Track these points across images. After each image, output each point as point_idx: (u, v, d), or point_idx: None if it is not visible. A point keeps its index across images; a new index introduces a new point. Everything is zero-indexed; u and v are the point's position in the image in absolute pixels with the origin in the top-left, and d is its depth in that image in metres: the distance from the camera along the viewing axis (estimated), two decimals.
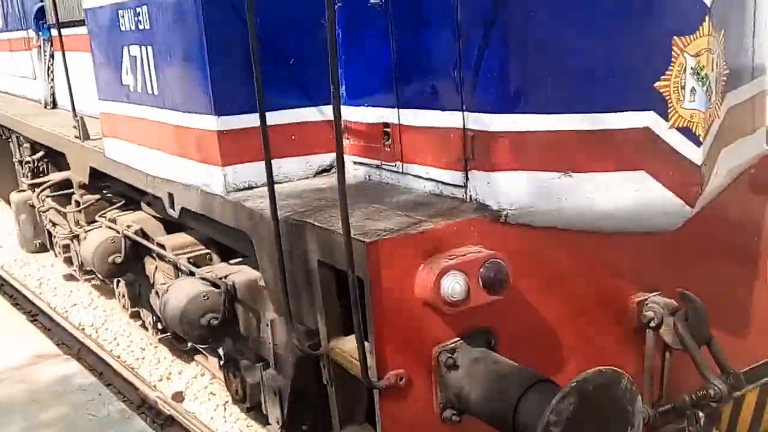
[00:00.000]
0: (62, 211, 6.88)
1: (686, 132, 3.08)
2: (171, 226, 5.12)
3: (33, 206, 7.49)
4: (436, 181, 3.42)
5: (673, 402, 3.37)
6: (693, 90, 3.03)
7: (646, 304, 3.37)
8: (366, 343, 2.84)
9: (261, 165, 3.19)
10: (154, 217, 5.31)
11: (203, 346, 5.17)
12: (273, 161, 3.17)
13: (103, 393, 5.38)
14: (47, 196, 7.18)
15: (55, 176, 7.21)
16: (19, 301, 7.75)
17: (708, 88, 3.05)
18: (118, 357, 6.56)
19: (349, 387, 3.24)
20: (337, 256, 2.99)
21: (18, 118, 7.54)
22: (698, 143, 3.09)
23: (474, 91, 3.14)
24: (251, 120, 3.37)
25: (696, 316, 3.26)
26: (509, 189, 3.12)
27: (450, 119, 3.27)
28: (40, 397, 5.30)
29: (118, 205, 5.95)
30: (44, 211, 7.29)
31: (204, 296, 4.21)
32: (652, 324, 3.34)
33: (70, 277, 8.10)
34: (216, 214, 3.96)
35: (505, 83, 3.07)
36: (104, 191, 6.11)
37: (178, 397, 5.89)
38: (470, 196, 3.26)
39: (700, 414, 3.35)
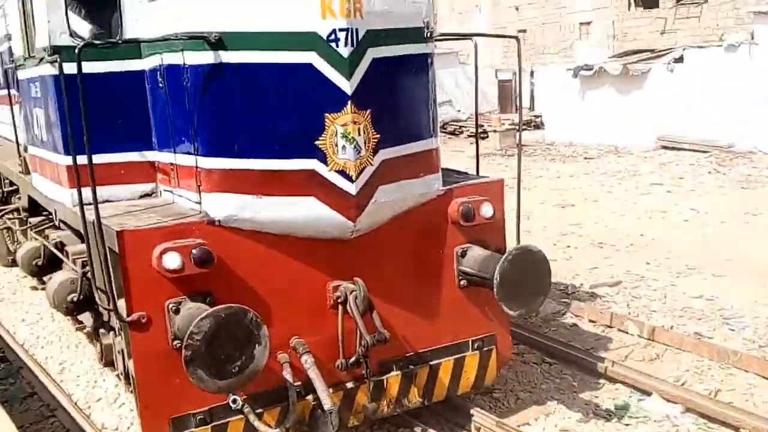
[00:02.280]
0: (12, 229, 8.61)
1: (342, 173, 4.66)
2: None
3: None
4: (190, 200, 4.98)
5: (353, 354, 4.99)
6: (344, 147, 4.61)
7: (337, 287, 4.95)
8: None
9: (102, 189, 4.87)
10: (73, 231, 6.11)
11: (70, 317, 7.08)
12: (107, 187, 5.18)
13: None
14: (8, 219, 8.82)
15: (11, 205, 8.80)
16: None
17: (356, 146, 4.62)
18: None
19: None
20: (110, 242, 4.54)
21: None
22: (351, 180, 4.67)
23: (199, 143, 4.76)
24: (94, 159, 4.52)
25: (361, 295, 4.86)
26: (220, 205, 4.73)
27: (191, 160, 4.85)
28: None
29: (50, 225, 6.88)
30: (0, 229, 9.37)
31: (70, 282, 5.84)
32: (340, 300, 4.95)
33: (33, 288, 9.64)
34: (70, 221, 5.72)
35: (213, 138, 4.73)
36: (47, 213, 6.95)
37: None
38: (203, 209, 4.80)
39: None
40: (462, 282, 5.50)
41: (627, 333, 7.62)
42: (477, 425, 5.71)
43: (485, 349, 5.69)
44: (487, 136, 25.26)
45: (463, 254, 5.47)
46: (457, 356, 5.57)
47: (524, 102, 29.28)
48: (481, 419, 5.69)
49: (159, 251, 4.43)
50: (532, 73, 28.89)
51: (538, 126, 26.40)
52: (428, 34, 5.14)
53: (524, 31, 32.42)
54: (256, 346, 4.35)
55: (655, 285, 9.09)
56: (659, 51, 22.67)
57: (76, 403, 6.51)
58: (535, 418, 6.04)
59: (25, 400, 6.75)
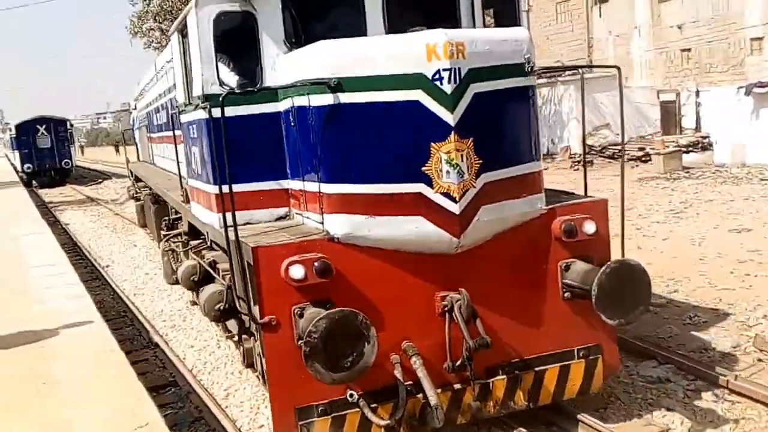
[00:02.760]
0: (176, 251, 9.83)
1: (447, 195, 5.20)
2: None
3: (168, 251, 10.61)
4: (315, 221, 5.68)
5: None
6: (448, 171, 5.14)
7: (444, 297, 5.47)
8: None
9: (243, 213, 5.82)
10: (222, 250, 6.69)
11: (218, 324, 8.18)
12: (249, 211, 6.05)
13: None
14: (172, 242, 10.00)
15: (175, 231, 9.96)
16: None
17: (459, 171, 5.15)
18: None
19: None
20: (247, 257, 5.36)
21: (162, 190, 10.80)
22: (455, 201, 5.21)
23: (321, 172, 5.47)
24: (236, 188, 5.38)
25: (465, 303, 5.32)
26: (339, 224, 5.39)
27: (316, 187, 5.59)
28: None
29: (206, 247, 7.76)
30: (167, 251, 10.72)
31: (218, 293, 6.70)
32: (447, 309, 5.45)
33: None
34: (219, 241, 6.54)
35: (332, 168, 5.41)
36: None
37: None
38: (325, 228, 5.48)
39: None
40: (566, 294, 5.89)
41: None
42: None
43: (591, 357, 6.02)
44: (650, 159, 24.07)
45: (567, 268, 5.87)
46: (562, 363, 5.96)
47: (690, 123, 27.72)
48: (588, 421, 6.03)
49: (286, 264, 5.19)
50: (697, 92, 27.34)
51: (706, 147, 24.85)
52: (529, 68, 5.55)
53: (688, 50, 30.81)
54: (366, 344, 4.97)
55: None
56: None
57: (240, 429, 6.64)
58: None
59: (193, 424, 6.96)
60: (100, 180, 42.27)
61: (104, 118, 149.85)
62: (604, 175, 24.18)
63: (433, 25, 5.22)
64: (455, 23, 6.54)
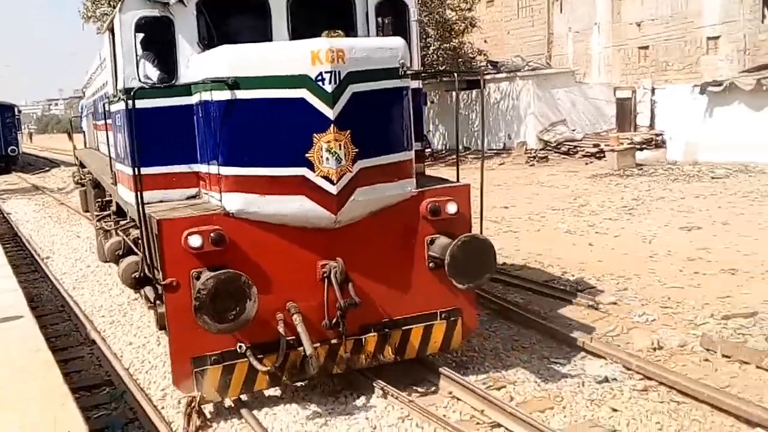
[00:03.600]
0: (103, 229, 10.73)
1: (326, 178, 6.05)
2: None
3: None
4: (216, 199, 6.45)
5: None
6: (327, 158, 5.98)
7: (324, 265, 6.37)
8: None
9: (158, 192, 6.82)
10: None
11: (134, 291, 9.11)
12: (163, 191, 6.86)
13: None
14: (104, 222, 10.73)
15: (106, 212, 10.88)
16: None
17: (338, 158, 5.99)
18: None
19: None
20: (155, 229, 6.15)
21: (99, 174, 11.54)
22: (333, 183, 6.06)
23: (220, 157, 6.29)
24: (152, 170, 6.62)
25: (339, 270, 6.27)
26: (233, 201, 6.23)
27: (216, 170, 6.38)
28: None
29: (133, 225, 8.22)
30: (99, 230, 11.49)
31: (135, 263, 7.68)
32: (326, 275, 6.35)
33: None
34: (135, 217, 7.06)
35: (229, 153, 6.24)
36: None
37: None
38: (222, 205, 6.29)
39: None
40: (431, 264, 6.79)
41: (767, 371, 6.78)
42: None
43: (451, 319, 7.00)
44: (604, 156, 24.22)
45: (432, 242, 6.78)
46: (426, 324, 6.92)
47: (645, 120, 27.98)
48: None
49: (186, 234, 6.03)
50: (653, 90, 27.61)
51: (659, 145, 25.11)
52: (403, 72, 6.40)
53: (646, 47, 31.12)
54: (248, 301, 5.90)
55: None
56: None
57: None
58: None
59: (126, 426, 6.65)
60: (47, 168, 41.15)
61: (56, 104, 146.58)
62: (559, 171, 24.29)
63: (332, 32, 6.29)
64: (352, 30, 7.46)
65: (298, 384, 6.90)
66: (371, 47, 6.34)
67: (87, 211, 16.61)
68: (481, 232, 6.83)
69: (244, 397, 6.72)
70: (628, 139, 25.03)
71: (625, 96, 29.28)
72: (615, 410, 6.25)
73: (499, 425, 6.08)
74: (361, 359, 6.68)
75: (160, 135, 6.75)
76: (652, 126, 27.15)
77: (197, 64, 6.71)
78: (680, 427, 5.93)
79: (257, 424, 6.31)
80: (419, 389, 6.89)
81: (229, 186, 6.24)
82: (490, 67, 33.12)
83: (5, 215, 21.70)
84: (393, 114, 6.50)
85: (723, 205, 15.54)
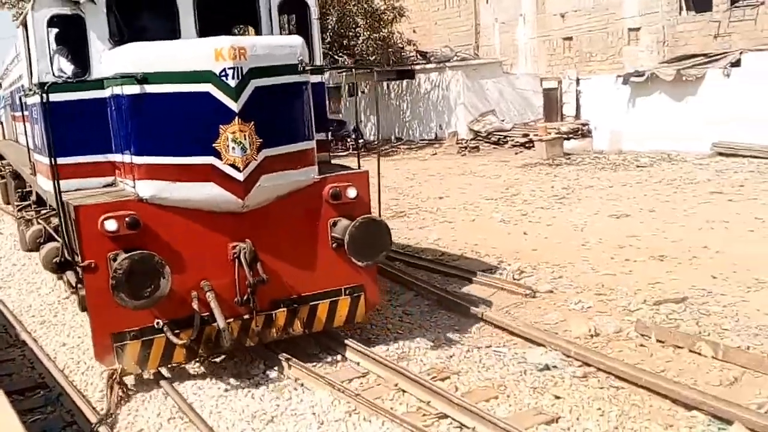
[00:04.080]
0: (24, 219, 11.14)
1: (233, 166, 6.53)
2: None
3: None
4: (131, 186, 6.86)
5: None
6: (233, 147, 6.46)
7: (235, 246, 6.86)
8: None
9: (75, 180, 7.15)
10: None
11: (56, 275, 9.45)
12: (79, 179, 7.18)
13: None
14: (25, 212, 11.26)
15: (26, 202, 11.37)
16: None
17: (243, 147, 6.47)
18: None
19: None
20: (72, 215, 6.63)
21: (19, 165, 11.63)
22: (240, 171, 6.55)
23: (132, 147, 6.73)
24: (69, 160, 7.02)
25: (248, 250, 6.79)
26: (146, 188, 6.65)
27: (129, 159, 6.81)
28: None
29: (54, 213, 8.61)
30: (19, 219, 11.76)
31: (55, 248, 8.15)
32: (236, 256, 6.85)
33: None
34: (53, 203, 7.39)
35: (140, 143, 6.68)
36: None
37: None
38: (136, 191, 6.72)
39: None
40: (334, 245, 7.38)
41: (700, 354, 7.06)
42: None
43: (355, 295, 7.58)
44: (533, 146, 24.68)
45: (335, 224, 7.36)
46: (332, 299, 7.49)
47: (571, 110, 28.62)
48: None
49: (102, 219, 6.45)
50: (578, 80, 28.25)
51: (585, 134, 25.74)
52: (302, 68, 6.93)
53: (570, 38, 31.80)
54: (161, 279, 6.35)
55: (724, 301, 8.51)
56: (713, 55, 21.87)
57: None
58: None
59: (64, 430, 6.47)
60: None
61: None
62: (490, 160, 24.65)
63: (236, 29, 6.91)
64: (257, 27, 8.05)
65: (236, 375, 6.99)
66: (271, 45, 6.87)
67: (8, 203, 16.49)
68: (380, 215, 7.60)
69: (193, 397, 6.74)
70: (555, 129, 25.56)
71: (552, 86, 29.88)
72: (558, 397, 6.41)
73: (446, 416, 6.15)
74: (272, 333, 7.24)
75: (76, 127, 7.09)
76: (578, 116, 27.79)
77: (108, 59, 7.04)
78: (621, 412, 6.11)
79: (202, 423, 6.24)
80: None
81: (142, 174, 6.69)
82: (419, 57, 33.30)
83: None
84: (294, 106, 7.00)
85: (649, 192, 16.06)
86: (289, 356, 7.34)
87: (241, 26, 7.12)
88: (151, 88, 6.49)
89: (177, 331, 6.74)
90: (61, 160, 6.63)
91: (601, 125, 24.34)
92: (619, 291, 9.17)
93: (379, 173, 7.85)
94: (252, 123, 6.52)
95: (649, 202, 14.94)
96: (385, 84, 33.49)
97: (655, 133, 21.66)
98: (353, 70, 31.51)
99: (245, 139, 6.49)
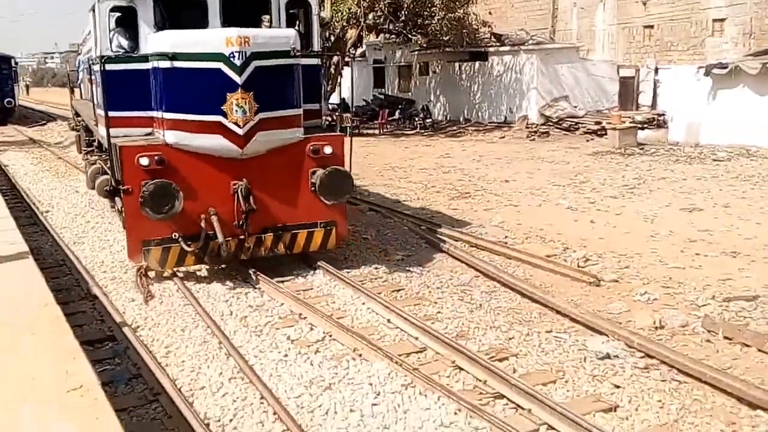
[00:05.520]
0: (89, 161, 13.88)
1: (236, 123, 8.63)
2: None
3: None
4: (161, 135, 9.03)
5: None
6: (236, 110, 8.53)
7: (235, 184, 8.99)
8: None
9: (124, 129, 9.23)
10: None
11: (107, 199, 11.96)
12: (127, 129, 9.26)
13: None
14: (90, 156, 14.09)
15: (91, 147, 14.24)
16: None
17: (244, 110, 8.54)
18: None
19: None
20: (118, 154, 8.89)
21: (87, 119, 14.02)
22: (240, 127, 8.64)
23: (163, 106, 8.97)
24: (120, 114, 9.17)
25: (243, 187, 8.95)
26: (171, 136, 8.90)
27: (161, 115, 9.05)
28: None
29: None
30: (85, 160, 15.04)
31: (107, 180, 10.31)
32: (236, 190, 9.01)
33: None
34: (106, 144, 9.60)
35: (168, 104, 8.92)
36: None
37: None
38: (164, 139, 8.95)
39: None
40: (312, 189, 9.41)
41: None
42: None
43: (327, 228, 9.64)
44: (605, 134, 24.15)
45: (313, 173, 9.40)
46: (309, 230, 9.55)
47: (647, 99, 27.87)
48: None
49: (138, 156, 8.67)
50: (656, 70, 27.46)
51: (661, 125, 25.05)
52: (293, 53, 8.88)
53: (651, 26, 30.89)
54: (175, 201, 8.61)
55: None
56: None
57: (180, 389, 6.37)
58: None
59: (130, 381, 6.69)
60: (44, 122, 40.76)
61: (52, 58, 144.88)
62: (560, 146, 24.24)
63: (254, 22, 9.09)
64: (269, 21, 9.84)
65: (304, 350, 7.23)
66: (269, 35, 8.87)
67: (81, 152, 17.56)
68: (350, 170, 9.60)
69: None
70: (630, 117, 24.94)
71: (629, 74, 29.11)
72: (617, 386, 6.31)
73: (502, 396, 6.14)
74: (261, 251, 9.36)
75: (125, 89, 9.19)
76: (654, 106, 27.05)
77: (152, 41, 9.14)
78: (681, 406, 5.98)
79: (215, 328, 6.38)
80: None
81: (169, 126, 8.89)
82: (493, 39, 32.85)
83: (2, 167, 21.55)
84: (285, 82, 8.97)
85: (724, 187, 15.57)
86: (349, 327, 7.40)
87: (264, 16, 9.39)
88: (179, 64, 8.66)
89: (189, 243, 8.88)
90: (113, 114, 8.96)
91: (678, 116, 23.64)
92: (688, 285, 8.94)
93: (350, 145, 9.74)
94: (251, 93, 8.55)
95: (724, 197, 14.48)
96: (456, 65, 33.19)
97: (735, 127, 20.93)
98: (426, 49, 31.29)
99: (246, 104, 8.53)
